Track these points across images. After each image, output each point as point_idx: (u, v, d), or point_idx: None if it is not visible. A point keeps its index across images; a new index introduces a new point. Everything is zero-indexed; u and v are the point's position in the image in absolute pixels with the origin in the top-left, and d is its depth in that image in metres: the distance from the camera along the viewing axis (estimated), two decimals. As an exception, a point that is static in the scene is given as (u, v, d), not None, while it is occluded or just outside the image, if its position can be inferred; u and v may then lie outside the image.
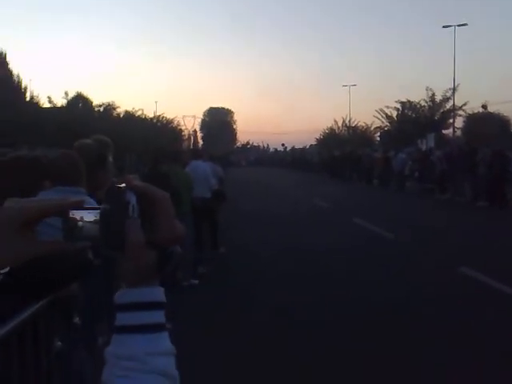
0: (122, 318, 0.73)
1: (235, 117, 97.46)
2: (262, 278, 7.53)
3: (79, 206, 0.70)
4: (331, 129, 59.35)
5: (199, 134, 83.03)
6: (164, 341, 0.74)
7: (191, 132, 56.82)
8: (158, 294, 0.75)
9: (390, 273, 7.84)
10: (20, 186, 2.37)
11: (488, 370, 4.19)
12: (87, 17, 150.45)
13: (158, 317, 0.74)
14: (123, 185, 0.71)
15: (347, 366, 4.36)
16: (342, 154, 35.00)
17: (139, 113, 37.68)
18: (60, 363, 2.18)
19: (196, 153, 9.18)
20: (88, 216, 0.70)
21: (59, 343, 2.22)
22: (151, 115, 42.28)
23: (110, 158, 3.26)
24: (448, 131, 39.44)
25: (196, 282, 7.09)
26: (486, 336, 4.95)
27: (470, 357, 4.45)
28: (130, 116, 35.68)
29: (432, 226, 12.42)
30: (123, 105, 48.91)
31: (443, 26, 34.88)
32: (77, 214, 0.70)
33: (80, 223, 0.70)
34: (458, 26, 34.42)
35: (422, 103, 40.47)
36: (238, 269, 8.27)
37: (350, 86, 53.92)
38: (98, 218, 0.70)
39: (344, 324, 5.44)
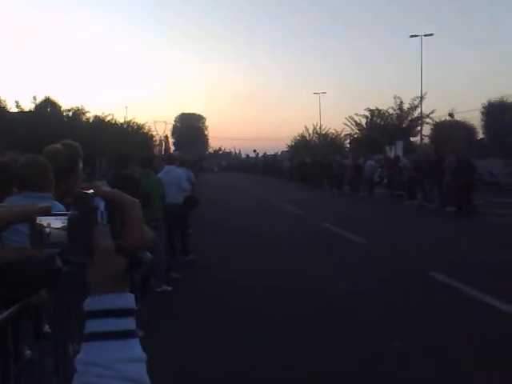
0: (92, 325, 0.72)
1: (207, 123, 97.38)
2: (235, 282, 7.55)
3: (47, 212, 0.69)
4: (302, 135, 59.94)
5: (171, 140, 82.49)
6: (135, 347, 0.73)
7: (163, 138, 56.38)
8: (128, 300, 0.74)
9: (361, 275, 7.97)
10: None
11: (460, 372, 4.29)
12: (55, 18, 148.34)
13: (129, 323, 0.73)
14: (91, 191, 0.70)
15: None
16: (312, 160, 35.29)
17: (109, 118, 37.20)
18: (29, 372, 2.14)
19: (170, 158, 9.21)
20: (55, 222, 0.69)
21: (29, 351, 2.18)
22: (121, 120, 41.82)
23: (80, 164, 3.22)
24: (416, 138, 40.31)
25: (169, 288, 7.05)
26: (452, 338, 5.06)
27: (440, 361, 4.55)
28: (99, 121, 35.19)
29: (401, 231, 12.65)
30: (93, 110, 48.16)
31: (410, 36, 35.75)
32: (44, 221, 0.68)
33: (47, 229, 0.68)
34: (425, 35, 35.33)
35: (391, 111, 41.29)
36: (209, 274, 8.25)
37: (320, 94, 54.79)
38: (65, 224, 0.68)
39: (322, 316, 5.49)
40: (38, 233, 0.68)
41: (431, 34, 35.80)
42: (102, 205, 0.70)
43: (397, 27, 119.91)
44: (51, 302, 2.51)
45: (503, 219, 13.57)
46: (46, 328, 2.49)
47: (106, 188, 0.71)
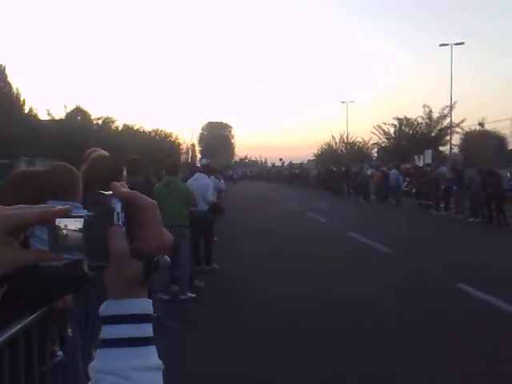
0: (107, 331, 0.69)
1: (233, 131, 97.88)
2: (256, 291, 7.53)
3: (66, 214, 0.67)
4: (329, 144, 59.61)
5: (197, 148, 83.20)
6: (151, 355, 0.70)
7: (189, 146, 56.92)
8: (146, 305, 0.71)
9: (388, 286, 7.86)
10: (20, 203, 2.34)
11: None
12: (87, 30, 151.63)
13: (145, 330, 0.70)
14: (109, 192, 0.68)
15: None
16: (338, 169, 35.08)
17: (137, 126, 37.78)
18: (56, 375, 2.17)
19: (206, 167, 9.46)
20: (72, 224, 0.66)
21: (60, 352, 2.20)
22: (149, 129, 42.42)
23: (125, 172, 3.20)
24: (445, 148, 39.71)
25: (193, 295, 7.07)
26: (485, 351, 4.93)
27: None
28: (128, 129, 35.77)
29: (430, 241, 12.42)
30: (121, 118, 49.00)
31: (440, 45, 35.30)
32: (62, 222, 0.66)
33: (64, 231, 0.66)
34: (455, 44, 34.83)
35: (419, 120, 40.80)
36: (232, 283, 8.25)
37: (347, 103, 54.33)
38: (81, 225, 0.66)
39: (344, 330, 5.42)
40: (57, 236, 0.66)
41: (462, 43, 35.25)
42: (118, 206, 0.68)
43: (427, 35, 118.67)
44: (76, 306, 2.53)
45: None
46: (70, 332, 2.52)
47: (124, 189, 0.69)
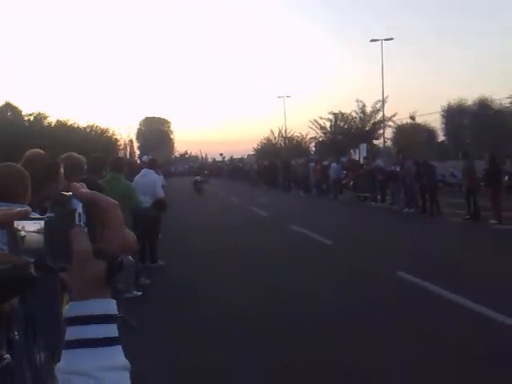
0: (72, 332, 0.69)
1: (172, 126, 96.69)
2: (203, 286, 7.54)
3: (25, 216, 0.67)
4: (268, 139, 60.22)
5: (135, 144, 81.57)
6: (118, 355, 0.70)
7: (127, 142, 55.73)
8: (110, 306, 0.71)
9: (329, 277, 8.07)
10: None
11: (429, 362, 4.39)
12: (16, 22, 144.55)
13: (111, 330, 0.70)
14: (69, 193, 0.68)
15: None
16: (279, 163, 35.51)
17: (71, 122, 36.56)
18: (5, 378, 2.10)
19: (152, 162, 9.29)
20: (30, 225, 0.67)
21: (7, 356, 2.13)
22: (84, 124, 41.18)
23: (62, 169, 3.09)
24: (379, 141, 41.10)
25: (139, 293, 6.97)
26: (427, 331, 5.20)
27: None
28: (61, 125, 34.55)
29: (368, 232, 12.86)
30: (54, 114, 47.25)
31: (371, 40, 36.35)
32: (19, 225, 0.67)
33: (22, 233, 0.66)
34: (385, 40, 36.00)
35: (354, 115, 41.96)
36: (178, 279, 8.20)
37: (284, 97, 54.94)
38: (41, 227, 0.66)
39: (287, 322, 5.54)
40: (16, 238, 0.66)
41: (391, 39, 36.45)
42: (79, 206, 0.67)
43: (359, 31, 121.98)
44: (21, 308, 2.46)
45: (466, 220, 13.95)
46: (15, 335, 2.44)
47: (84, 189, 0.69)
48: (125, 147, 52.11)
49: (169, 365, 4.62)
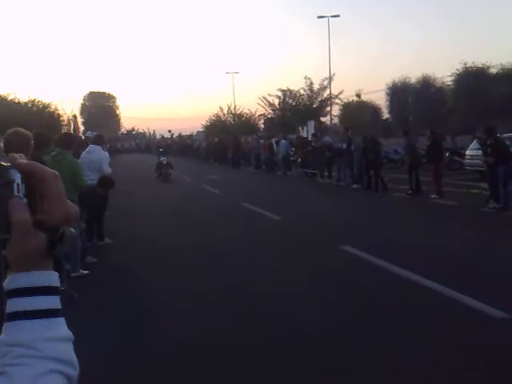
0: (13, 304, 0.68)
1: (117, 102, 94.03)
2: (151, 264, 7.55)
3: None
4: (217, 116, 59.63)
5: (80, 120, 78.96)
6: (61, 326, 0.70)
7: (71, 117, 53.84)
8: (52, 278, 0.70)
9: (276, 249, 8.31)
10: None
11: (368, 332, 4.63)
12: None
13: (53, 302, 0.69)
14: (7, 163, 0.67)
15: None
16: (228, 140, 35.42)
17: (12, 97, 34.95)
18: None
19: (98, 137, 9.02)
20: None
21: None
22: (25, 99, 39.47)
23: (1, 143, 3.00)
24: (326, 119, 41.57)
25: (86, 272, 6.89)
26: (367, 301, 5.44)
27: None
28: (1, 100, 32.99)
29: (315, 207, 13.15)
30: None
31: (318, 17, 36.37)
32: None
33: None
34: (332, 16, 36.14)
35: (302, 92, 42.15)
36: (125, 257, 8.15)
37: (232, 74, 54.62)
38: None
39: (231, 292, 5.66)
40: None
41: (338, 16, 36.58)
42: (18, 177, 0.66)
43: (308, 8, 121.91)
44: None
45: (408, 195, 14.50)
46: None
47: (23, 160, 0.68)
48: (68, 123, 50.31)
49: (111, 341, 4.61)
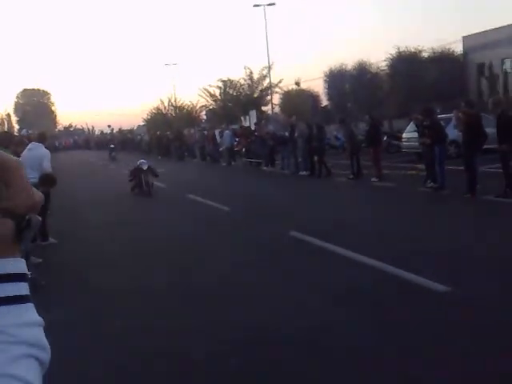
0: None
1: (52, 98, 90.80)
2: (97, 263, 7.47)
3: None
4: (158, 108, 58.74)
5: (14, 118, 75.69)
6: (31, 312, 0.71)
7: (4, 116, 51.52)
8: (20, 264, 0.71)
9: (225, 238, 8.41)
10: None
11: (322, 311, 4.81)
12: None
13: (22, 288, 0.70)
14: None
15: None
16: (171, 133, 35.05)
17: None
18: None
19: (41, 135, 8.77)
20: None
21: None
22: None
23: None
24: (267, 108, 41.85)
25: (29, 273, 6.68)
26: (313, 280, 5.64)
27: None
28: None
29: (261, 196, 13.32)
30: None
31: (254, 5, 36.31)
32: None
33: None
34: (268, 5, 36.18)
35: (242, 81, 42.19)
36: (70, 257, 8.00)
37: (171, 65, 53.81)
38: None
39: (190, 288, 5.72)
40: None
41: (273, 4, 36.62)
42: None
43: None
44: None
45: (350, 179, 14.95)
46: None
47: None
48: (2, 122, 48.14)
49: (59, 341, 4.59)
